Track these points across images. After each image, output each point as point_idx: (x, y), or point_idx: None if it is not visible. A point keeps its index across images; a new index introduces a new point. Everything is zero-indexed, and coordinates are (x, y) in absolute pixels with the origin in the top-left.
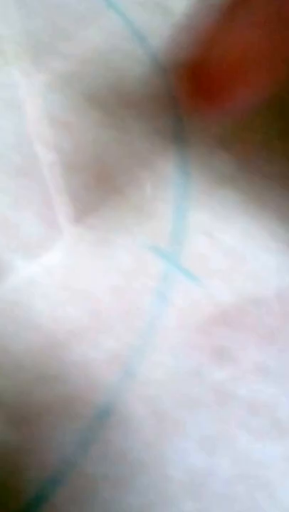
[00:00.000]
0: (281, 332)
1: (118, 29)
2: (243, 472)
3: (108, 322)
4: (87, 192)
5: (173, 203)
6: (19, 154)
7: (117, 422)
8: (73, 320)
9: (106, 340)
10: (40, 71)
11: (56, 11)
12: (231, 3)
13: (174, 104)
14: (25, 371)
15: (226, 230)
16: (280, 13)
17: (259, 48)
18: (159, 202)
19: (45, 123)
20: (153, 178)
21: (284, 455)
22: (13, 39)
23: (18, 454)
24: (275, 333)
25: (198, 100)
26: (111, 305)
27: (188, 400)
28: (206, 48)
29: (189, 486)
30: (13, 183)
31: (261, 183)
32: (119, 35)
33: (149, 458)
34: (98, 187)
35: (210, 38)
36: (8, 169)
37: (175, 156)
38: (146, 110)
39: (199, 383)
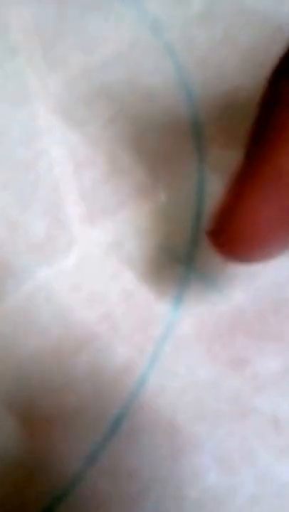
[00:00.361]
0: None
1: (134, 22)
2: (264, 492)
3: (121, 328)
4: (99, 191)
5: (191, 205)
6: (27, 149)
7: (128, 436)
8: (84, 325)
9: (118, 348)
10: (51, 64)
11: (70, 3)
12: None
13: (191, 101)
14: (32, 380)
15: None
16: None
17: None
18: (177, 204)
19: (55, 117)
20: (170, 177)
21: None
22: (24, 31)
23: (26, 467)
24: None
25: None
26: (125, 310)
27: (205, 413)
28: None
29: (205, 507)
30: (21, 178)
31: None
32: (135, 27)
33: (162, 475)
34: (111, 186)
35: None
36: (16, 164)
37: (193, 155)
38: (163, 106)
39: (217, 395)
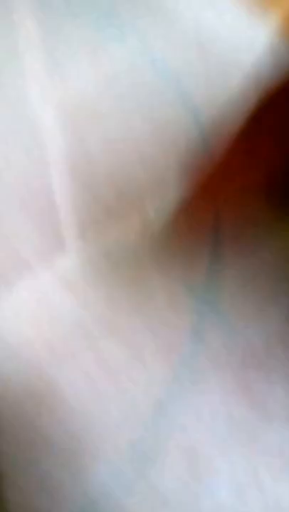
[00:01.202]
0: None
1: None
2: None
3: (141, 356)
4: (99, 209)
5: (207, 239)
6: (28, 158)
7: (147, 458)
8: (103, 351)
9: (139, 375)
10: (64, 82)
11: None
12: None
13: (199, 129)
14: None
15: (259, 274)
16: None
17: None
18: (193, 237)
19: (59, 131)
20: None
21: None
22: (30, 52)
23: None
24: None
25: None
26: (145, 340)
27: (220, 439)
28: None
29: None
30: (20, 187)
31: None
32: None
33: (180, 495)
34: (114, 204)
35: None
36: (16, 172)
37: None
38: (167, 131)
39: (230, 423)
